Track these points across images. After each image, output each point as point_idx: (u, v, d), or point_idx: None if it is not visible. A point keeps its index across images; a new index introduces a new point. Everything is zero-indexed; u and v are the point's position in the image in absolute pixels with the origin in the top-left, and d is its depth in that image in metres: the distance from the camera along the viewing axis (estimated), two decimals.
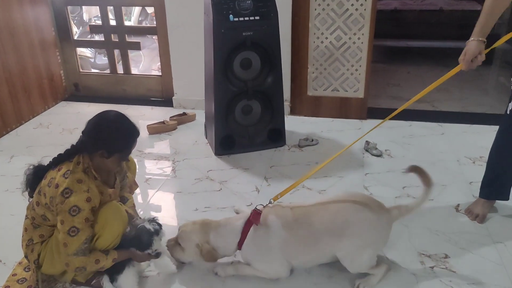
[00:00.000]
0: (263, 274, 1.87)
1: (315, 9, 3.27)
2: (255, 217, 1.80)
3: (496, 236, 2.13)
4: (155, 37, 4.19)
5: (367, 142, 3.01)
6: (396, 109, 2.03)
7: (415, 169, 1.85)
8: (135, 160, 2.23)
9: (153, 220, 1.82)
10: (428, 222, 2.23)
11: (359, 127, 3.39)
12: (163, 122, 3.42)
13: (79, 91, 4.18)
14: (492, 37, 1.87)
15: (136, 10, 5.50)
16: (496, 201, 2.30)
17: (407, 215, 1.87)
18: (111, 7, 3.88)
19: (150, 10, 5.49)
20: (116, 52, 4.06)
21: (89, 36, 4.89)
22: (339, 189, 2.54)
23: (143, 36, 5.28)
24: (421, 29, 5.70)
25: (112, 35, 3.98)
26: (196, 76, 3.41)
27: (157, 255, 1.84)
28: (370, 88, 3.46)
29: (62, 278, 1.88)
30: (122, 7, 3.88)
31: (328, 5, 3.23)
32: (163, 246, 1.90)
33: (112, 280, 1.80)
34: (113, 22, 4.00)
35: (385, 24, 5.06)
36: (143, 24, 5.63)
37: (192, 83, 3.66)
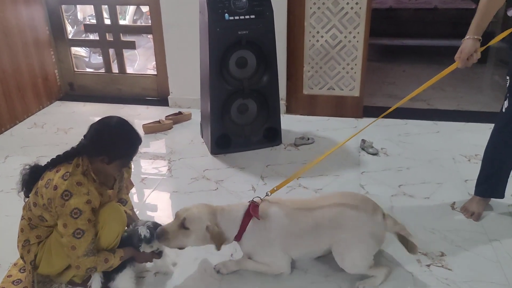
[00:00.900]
0: (265, 268, 1.87)
1: (311, 8, 3.27)
2: (254, 209, 1.80)
3: (491, 233, 2.14)
4: (150, 36, 4.17)
5: (363, 141, 3.02)
6: (391, 107, 2.04)
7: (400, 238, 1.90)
8: None
9: (149, 226, 1.80)
10: (424, 220, 2.24)
11: (355, 125, 3.40)
12: (158, 122, 3.41)
13: (74, 91, 4.16)
14: (486, 36, 1.88)
15: (131, 9, 5.48)
16: (492, 199, 2.31)
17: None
18: (106, 6, 3.86)
19: (145, 9, 5.48)
20: (111, 51, 4.05)
21: (84, 35, 4.86)
22: (335, 188, 2.54)
23: (138, 35, 5.26)
24: (416, 28, 5.70)
25: (107, 34, 3.96)
26: (192, 75, 3.40)
27: (160, 254, 1.84)
28: (365, 86, 3.46)
29: (58, 279, 1.87)
30: (117, 6, 3.86)
31: (323, 3, 3.23)
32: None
33: (110, 279, 1.80)
34: (107, 21, 3.97)
35: (381, 23, 5.06)
36: (138, 23, 5.61)
37: (187, 82, 3.65)
